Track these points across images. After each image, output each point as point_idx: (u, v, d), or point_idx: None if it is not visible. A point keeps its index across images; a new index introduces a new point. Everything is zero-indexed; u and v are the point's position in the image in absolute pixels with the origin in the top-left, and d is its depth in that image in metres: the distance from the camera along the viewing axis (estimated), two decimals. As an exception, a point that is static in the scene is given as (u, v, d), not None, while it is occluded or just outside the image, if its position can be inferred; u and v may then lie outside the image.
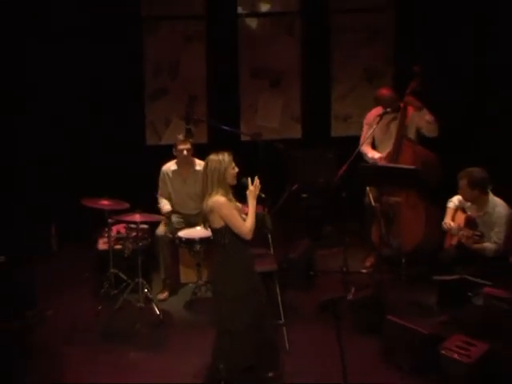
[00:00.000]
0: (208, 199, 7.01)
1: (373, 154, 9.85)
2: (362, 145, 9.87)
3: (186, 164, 9.50)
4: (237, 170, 7.19)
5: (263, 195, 7.54)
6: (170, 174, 9.58)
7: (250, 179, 7.22)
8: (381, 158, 9.75)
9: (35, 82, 10.95)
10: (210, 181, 7.05)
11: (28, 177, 10.57)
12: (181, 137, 9.46)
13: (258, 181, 7.22)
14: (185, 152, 9.38)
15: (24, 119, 10.90)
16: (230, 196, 7.12)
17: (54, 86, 11.01)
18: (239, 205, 7.21)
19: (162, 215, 9.43)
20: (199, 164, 9.44)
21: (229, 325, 7.25)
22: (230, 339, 7.25)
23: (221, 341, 7.38)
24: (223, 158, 7.08)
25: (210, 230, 7.30)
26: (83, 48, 11.02)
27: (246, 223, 7.10)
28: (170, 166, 9.60)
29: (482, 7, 10.73)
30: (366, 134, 9.93)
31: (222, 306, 7.28)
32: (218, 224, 7.02)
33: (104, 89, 11.13)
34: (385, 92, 10.02)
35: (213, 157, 7.09)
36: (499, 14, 10.68)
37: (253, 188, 7.22)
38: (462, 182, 8.56)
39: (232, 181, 7.14)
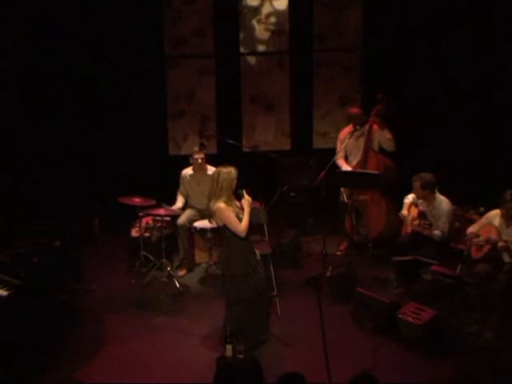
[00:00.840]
0: (214, 202, 7.19)
1: (346, 167, 9.86)
2: (338, 157, 9.91)
3: (200, 170, 9.52)
4: (236, 180, 7.30)
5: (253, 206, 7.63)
6: (188, 178, 9.61)
7: (245, 191, 7.36)
8: (353, 168, 9.81)
9: (84, 102, 11.01)
10: (219, 187, 7.19)
11: (77, 181, 10.59)
12: (196, 148, 9.52)
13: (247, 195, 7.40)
14: (200, 160, 9.42)
15: (76, 137, 10.95)
16: (232, 200, 7.28)
17: (104, 106, 11.15)
18: (239, 204, 7.33)
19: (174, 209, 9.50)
20: (210, 169, 9.47)
21: (233, 297, 7.42)
22: (234, 308, 7.43)
23: (228, 310, 7.52)
24: (231, 171, 7.23)
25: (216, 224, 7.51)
26: (124, 83, 11.08)
27: (241, 224, 7.20)
28: (188, 171, 9.63)
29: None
30: (339, 148, 9.97)
31: (228, 282, 7.43)
32: (220, 223, 7.22)
33: (137, 111, 11.16)
34: (354, 110, 10.06)
35: (223, 169, 7.24)
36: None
37: (248, 197, 7.33)
38: (416, 184, 8.64)
39: (233, 189, 7.27)
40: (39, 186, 10.41)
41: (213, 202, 7.20)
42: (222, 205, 7.16)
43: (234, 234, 7.24)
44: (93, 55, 10.85)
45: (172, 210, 9.35)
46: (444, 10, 10.62)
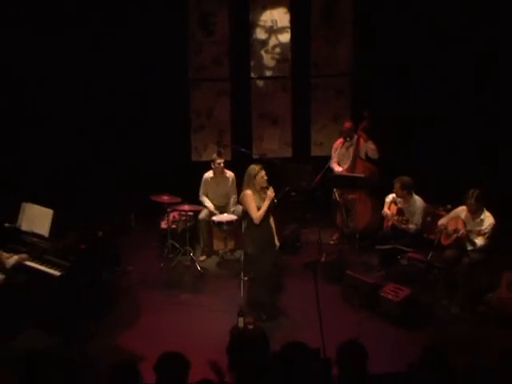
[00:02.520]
0: (242, 192, 7.47)
1: (338, 169, 9.88)
2: (332, 162, 9.94)
3: (219, 173, 9.53)
4: (265, 177, 7.43)
5: (275, 200, 7.67)
6: (209, 180, 9.61)
7: (271, 188, 7.48)
8: (343, 171, 9.82)
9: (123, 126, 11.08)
10: (245, 180, 7.47)
11: (117, 182, 10.60)
12: (215, 155, 9.54)
13: (272, 191, 7.44)
14: (221, 164, 9.46)
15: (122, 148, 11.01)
16: (259, 193, 7.44)
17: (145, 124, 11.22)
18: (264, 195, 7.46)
19: (211, 211, 9.53)
20: (227, 173, 9.56)
21: (253, 274, 7.73)
22: (254, 284, 7.71)
23: (250, 285, 7.85)
24: (254, 168, 7.45)
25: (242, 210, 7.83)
26: (156, 102, 11.11)
27: (258, 212, 7.29)
28: (209, 174, 9.62)
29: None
30: (334, 155, 9.99)
31: (248, 262, 7.78)
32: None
33: (166, 125, 11.17)
34: (347, 125, 10.04)
35: (251, 166, 7.52)
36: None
37: (270, 193, 7.37)
38: (396, 185, 8.67)
39: (260, 183, 7.42)
40: (89, 187, 10.42)
41: (242, 192, 7.48)
42: (248, 191, 7.39)
43: (251, 220, 7.37)
44: (132, 80, 10.85)
45: (196, 207, 9.45)
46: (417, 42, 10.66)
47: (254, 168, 7.45)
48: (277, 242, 7.80)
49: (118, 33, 10.69)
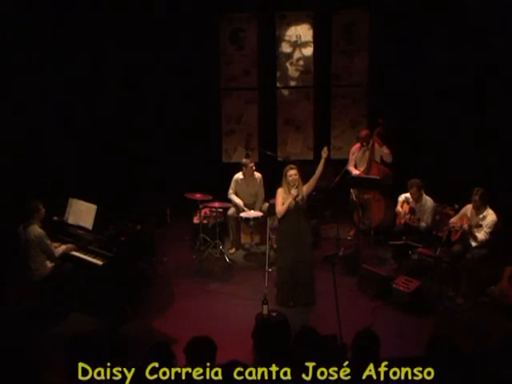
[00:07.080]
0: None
1: (355, 172, 9.83)
2: (349, 165, 9.91)
3: (249, 175, 9.48)
4: (293, 177, 7.52)
5: (297, 199, 7.62)
6: (239, 181, 9.54)
7: (294, 188, 7.49)
8: (359, 174, 9.77)
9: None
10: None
11: (155, 182, 10.64)
12: (245, 159, 9.47)
13: (295, 190, 7.47)
14: (253, 167, 9.42)
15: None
16: (287, 189, 7.51)
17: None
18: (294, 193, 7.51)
19: (241, 206, 9.45)
20: (256, 174, 9.55)
21: (277, 264, 7.89)
22: (277, 271, 7.81)
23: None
24: (286, 167, 7.60)
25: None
26: (191, 109, 11.14)
27: (280, 207, 7.37)
28: (239, 175, 9.55)
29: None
30: (351, 158, 9.96)
31: (276, 252, 8.05)
32: None
33: (200, 130, 11.22)
34: (363, 132, 10.02)
35: (287, 166, 7.67)
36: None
37: (293, 192, 7.38)
38: (414, 188, 8.52)
39: (289, 182, 7.52)
40: (130, 186, 10.48)
41: None
42: (280, 189, 7.54)
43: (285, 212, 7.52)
44: (171, 89, 10.96)
45: (226, 204, 9.45)
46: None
47: (286, 168, 7.57)
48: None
49: (162, 49, 10.83)
